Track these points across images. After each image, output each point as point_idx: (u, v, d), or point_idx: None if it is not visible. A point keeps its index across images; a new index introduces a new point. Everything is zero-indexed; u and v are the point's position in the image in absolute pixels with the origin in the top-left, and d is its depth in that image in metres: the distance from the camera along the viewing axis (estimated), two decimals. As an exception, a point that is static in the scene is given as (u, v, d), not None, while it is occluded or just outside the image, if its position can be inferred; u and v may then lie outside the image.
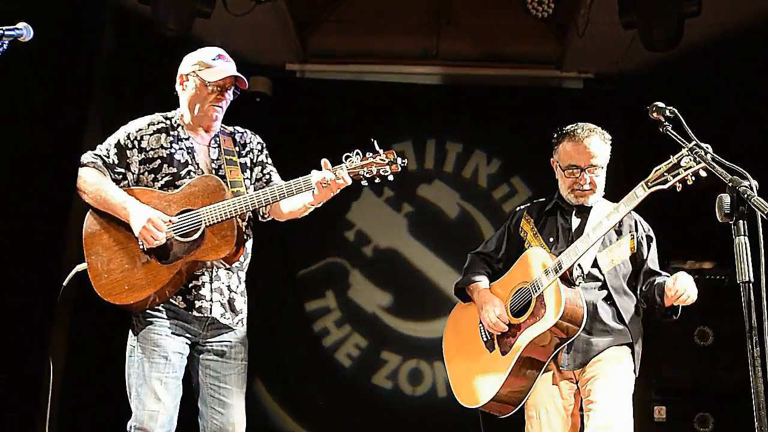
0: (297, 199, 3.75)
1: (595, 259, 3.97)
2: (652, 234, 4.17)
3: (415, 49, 8.37)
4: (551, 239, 4.07)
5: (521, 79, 8.32)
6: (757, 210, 2.71)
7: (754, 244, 2.72)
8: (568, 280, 3.84)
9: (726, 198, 2.79)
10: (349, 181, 3.61)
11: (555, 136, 4.27)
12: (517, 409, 3.93)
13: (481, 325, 4.08)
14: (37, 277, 6.63)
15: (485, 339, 4.05)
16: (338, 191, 3.64)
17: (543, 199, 4.33)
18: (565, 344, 3.84)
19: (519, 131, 7.98)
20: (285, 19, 7.57)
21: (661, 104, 3.30)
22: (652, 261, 4.12)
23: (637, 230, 4.12)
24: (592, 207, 4.07)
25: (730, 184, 2.81)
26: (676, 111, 3.27)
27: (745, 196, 2.73)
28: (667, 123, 3.27)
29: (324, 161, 3.64)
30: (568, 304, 3.73)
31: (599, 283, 3.99)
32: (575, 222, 4.08)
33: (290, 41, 7.98)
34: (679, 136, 3.22)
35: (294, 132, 7.79)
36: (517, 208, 4.38)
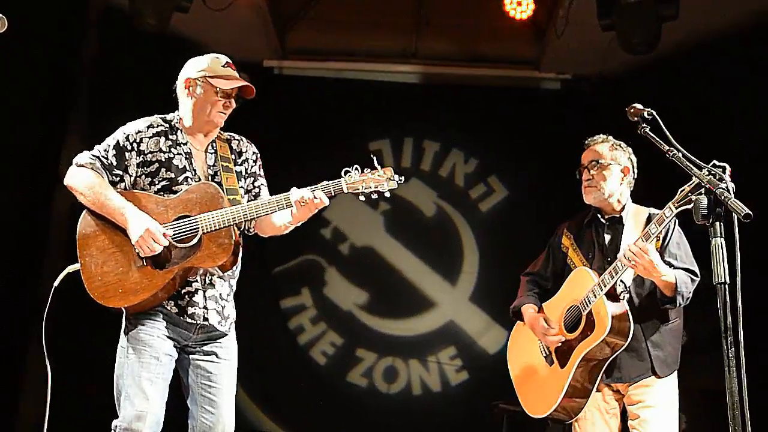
0: (278, 217, 3.80)
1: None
2: None
3: (393, 48, 8.38)
4: (589, 255, 4.28)
5: (499, 80, 8.35)
6: (733, 212, 2.73)
7: (729, 246, 2.74)
8: (613, 296, 4.05)
9: (703, 200, 2.81)
10: (327, 202, 3.64)
11: None
12: (576, 417, 4.18)
13: (539, 342, 4.33)
14: (18, 279, 6.58)
15: (545, 354, 4.30)
16: (316, 211, 3.67)
17: (581, 213, 4.47)
18: (614, 357, 4.06)
19: (496, 131, 8.02)
20: (264, 16, 7.55)
21: (639, 105, 3.32)
22: None
23: None
24: (622, 218, 4.25)
25: (707, 186, 2.83)
26: (654, 113, 3.29)
27: (722, 198, 2.75)
28: (645, 124, 3.29)
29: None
30: (614, 319, 3.97)
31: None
32: (607, 237, 4.27)
33: (269, 38, 7.96)
34: (656, 138, 3.23)
35: (271, 129, 7.75)
36: (559, 225, 4.55)
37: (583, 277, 4.17)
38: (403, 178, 3.71)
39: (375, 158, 3.66)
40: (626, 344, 3.99)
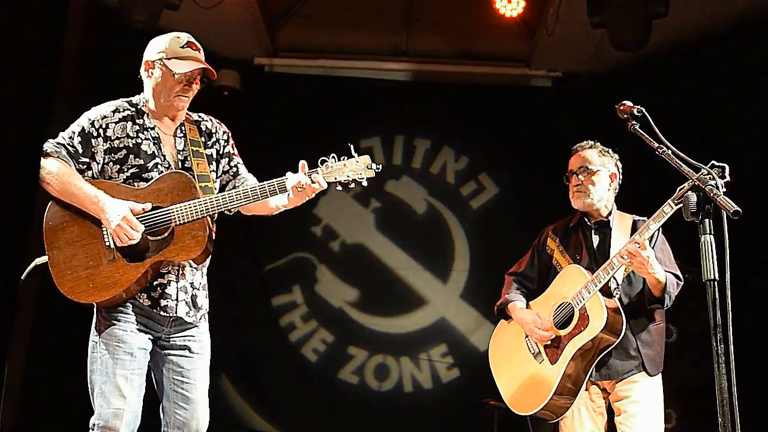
0: (269, 199, 3.68)
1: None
2: None
3: (384, 46, 8.37)
4: (577, 257, 4.32)
5: (490, 77, 8.33)
6: (723, 209, 2.73)
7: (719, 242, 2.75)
8: (607, 293, 4.09)
9: (692, 197, 2.82)
10: (325, 186, 3.57)
11: None
12: (560, 417, 4.22)
13: (527, 338, 4.34)
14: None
15: (533, 351, 4.30)
16: (313, 195, 3.60)
17: (567, 217, 4.53)
18: (602, 354, 4.09)
19: (487, 128, 8.02)
20: (254, 13, 7.52)
21: (629, 103, 3.33)
22: None
23: None
24: (610, 222, 4.30)
25: (696, 183, 2.84)
26: (644, 110, 3.30)
27: (712, 195, 2.75)
28: (635, 122, 3.30)
29: (302, 163, 3.58)
30: (610, 313, 4.00)
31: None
32: (595, 239, 4.32)
33: (259, 35, 7.93)
34: (646, 135, 3.24)
35: (262, 126, 7.76)
36: (545, 227, 4.60)
37: (574, 275, 4.20)
38: (380, 166, 3.65)
39: (352, 146, 3.59)
40: (617, 341, 4.03)
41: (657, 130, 3.19)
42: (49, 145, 3.55)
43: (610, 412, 4.24)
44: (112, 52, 6.94)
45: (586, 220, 4.36)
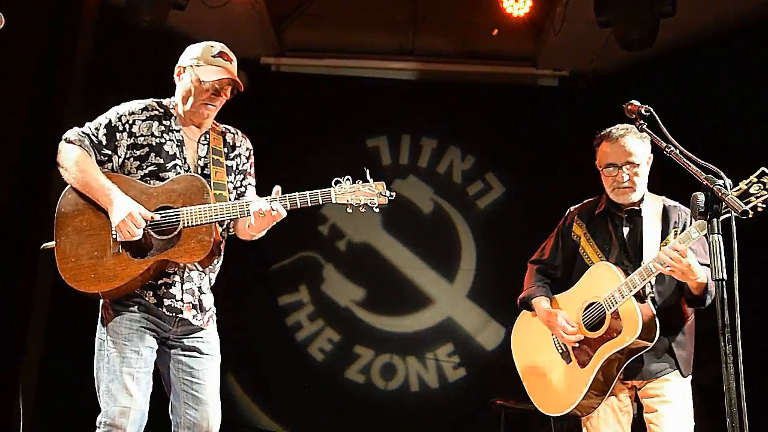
0: (244, 224, 3.68)
1: None
2: None
3: (390, 45, 8.37)
4: (606, 247, 4.12)
5: (496, 76, 8.34)
6: (731, 209, 2.72)
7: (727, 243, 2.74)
8: (640, 297, 3.92)
9: (700, 197, 2.81)
10: (284, 214, 3.53)
11: (595, 139, 4.20)
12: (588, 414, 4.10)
13: (554, 337, 4.18)
14: (12, 268, 6.54)
15: (561, 351, 4.14)
16: (274, 223, 3.57)
17: (592, 200, 4.30)
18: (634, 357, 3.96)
19: (494, 128, 8.03)
20: (260, 12, 7.53)
21: (636, 102, 3.31)
22: None
23: None
24: (641, 210, 4.08)
25: (704, 183, 2.83)
26: (651, 109, 3.28)
27: (720, 194, 2.74)
28: (642, 121, 3.28)
29: (276, 189, 3.57)
30: (645, 321, 3.83)
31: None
32: (625, 230, 4.10)
33: (265, 34, 7.94)
34: (654, 135, 3.23)
35: (268, 126, 7.74)
36: (569, 210, 4.36)
37: (606, 274, 4.01)
38: (394, 194, 3.62)
39: (368, 171, 3.56)
40: (651, 346, 3.88)
41: (665, 130, 3.18)
42: (73, 133, 3.62)
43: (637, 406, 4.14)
44: (118, 51, 6.97)
45: (615, 209, 4.14)
